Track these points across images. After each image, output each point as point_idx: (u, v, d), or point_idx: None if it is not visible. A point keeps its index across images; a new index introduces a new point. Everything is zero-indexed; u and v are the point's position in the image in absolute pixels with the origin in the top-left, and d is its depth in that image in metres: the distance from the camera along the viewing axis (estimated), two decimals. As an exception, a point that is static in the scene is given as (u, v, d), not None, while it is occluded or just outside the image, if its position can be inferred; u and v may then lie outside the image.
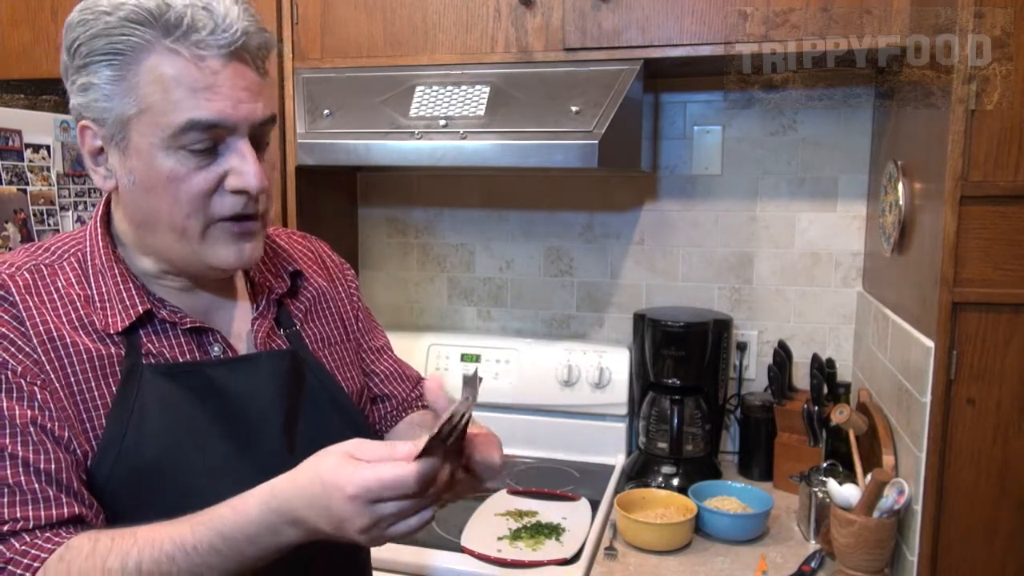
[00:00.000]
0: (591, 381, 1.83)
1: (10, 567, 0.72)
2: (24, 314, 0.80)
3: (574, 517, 1.50)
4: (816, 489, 1.46)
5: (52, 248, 0.87)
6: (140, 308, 0.84)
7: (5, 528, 0.74)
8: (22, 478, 0.75)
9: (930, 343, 1.19)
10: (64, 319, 0.82)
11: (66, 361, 0.81)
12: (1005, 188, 1.14)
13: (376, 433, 1.08)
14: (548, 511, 1.53)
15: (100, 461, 0.81)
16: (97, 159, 0.82)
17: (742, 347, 1.88)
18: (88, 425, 0.81)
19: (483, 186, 2.03)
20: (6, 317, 0.79)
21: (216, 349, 0.89)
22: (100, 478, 0.81)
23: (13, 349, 0.78)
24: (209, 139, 0.78)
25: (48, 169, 1.83)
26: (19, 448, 0.76)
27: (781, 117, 1.82)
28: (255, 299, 0.95)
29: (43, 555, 0.73)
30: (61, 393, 0.80)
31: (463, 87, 1.57)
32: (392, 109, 1.58)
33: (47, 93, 2.11)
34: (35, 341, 0.79)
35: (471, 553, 1.38)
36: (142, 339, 0.85)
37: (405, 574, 1.38)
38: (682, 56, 1.52)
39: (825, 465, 1.51)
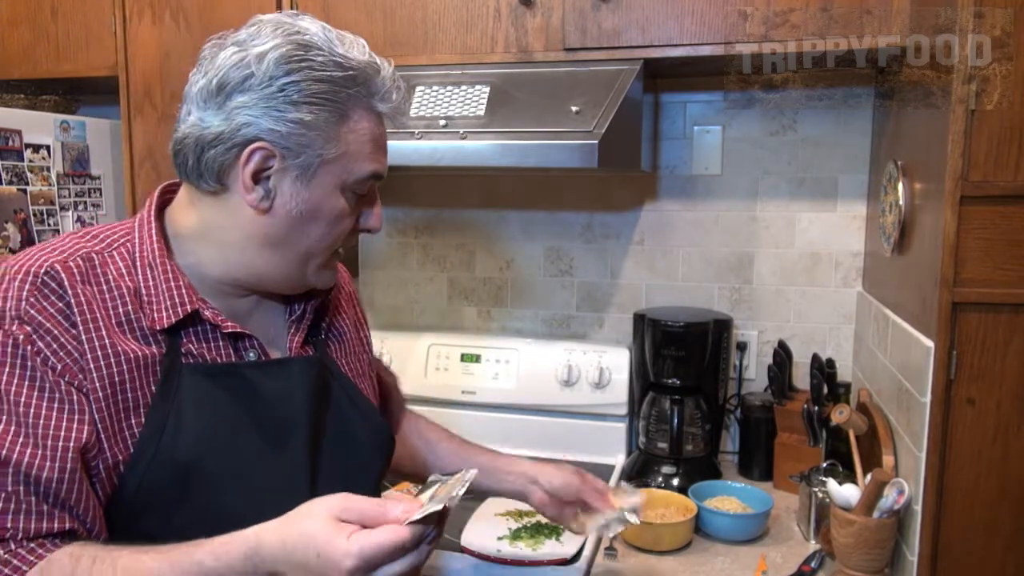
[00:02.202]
0: (591, 381, 1.83)
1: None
2: (75, 307, 0.80)
3: (574, 517, 1.49)
4: (816, 489, 1.46)
5: (101, 236, 0.88)
6: (188, 307, 0.86)
7: (8, 535, 0.74)
8: (20, 488, 0.75)
9: (930, 343, 1.19)
10: (112, 313, 0.83)
11: (112, 361, 0.82)
12: (1005, 188, 1.13)
13: (393, 440, 1.10)
14: (548, 511, 1.53)
15: (136, 460, 0.82)
16: (257, 177, 0.84)
17: (742, 347, 1.88)
18: (126, 424, 0.82)
19: (483, 186, 2.03)
20: (52, 311, 0.80)
21: (252, 354, 0.91)
22: (135, 476, 0.82)
23: (56, 346, 0.79)
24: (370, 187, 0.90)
25: (48, 169, 1.83)
26: (26, 453, 0.76)
27: (781, 117, 1.82)
28: (289, 306, 0.98)
29: (24, 567, 0.73)
30: (100, 394, 0.81)
31: (463, 87, 1.57)
32: (392, 109, 1.58)
33: (47, 93, 2.11)
34: (83, 337, 0.80)
35: (471, 553, 1.38)
36: (183, 339, 0.87)
37: (405, 574, 1.38)
38: (682, 56, 1.52)
39: (825, 465, 1.51)
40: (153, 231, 0.88)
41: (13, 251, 1.74)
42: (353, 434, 0.98)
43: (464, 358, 1.94)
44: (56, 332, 0.79)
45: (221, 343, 0.89)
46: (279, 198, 0.85)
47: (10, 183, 1.74)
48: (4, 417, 0.76)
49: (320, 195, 0.86)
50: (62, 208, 1.86)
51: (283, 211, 0.85)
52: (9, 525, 0.74)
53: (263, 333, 0.94)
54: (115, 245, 0.88)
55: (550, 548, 1.39)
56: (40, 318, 0.79)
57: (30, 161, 1.79)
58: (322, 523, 0.71)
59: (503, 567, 1.35)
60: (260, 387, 0.90)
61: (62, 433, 0.78)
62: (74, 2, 1.90)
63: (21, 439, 0.76)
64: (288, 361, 0.94)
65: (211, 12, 1.79)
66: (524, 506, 1.54)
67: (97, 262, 0.85)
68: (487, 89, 1.56)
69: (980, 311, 1.16)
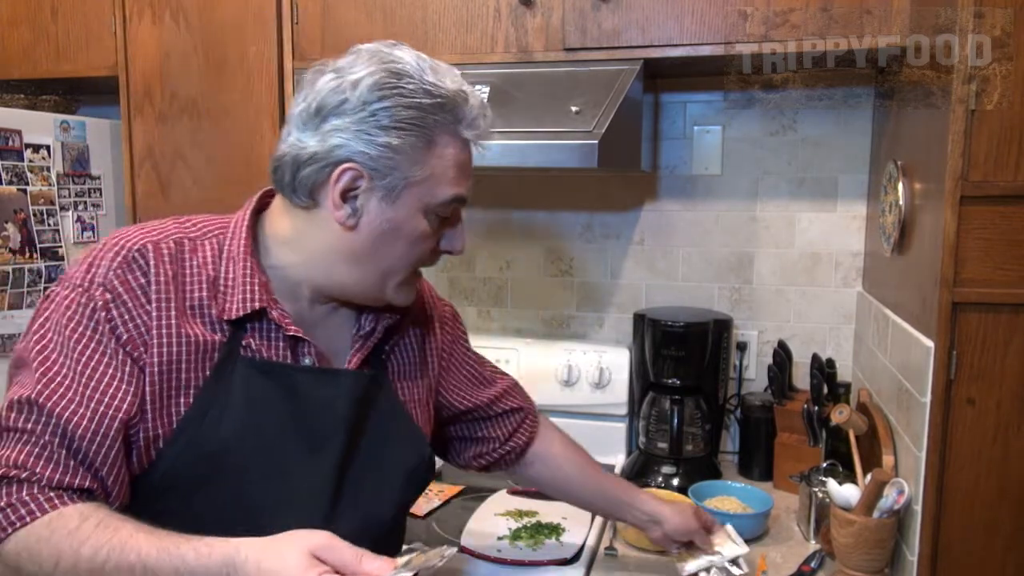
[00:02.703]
0: (591, 381, 1.83)
1: (8, 511, 0.77)
2: (154, 285, 0.87)
3: (574, 517, 1.49)
4: (816, 489, 1.46)
5: (199, 225, 0.95)
6: (258, 303, 0.90)
7: (19, 474, 0.79)
8: (55, 440, 0.80)
9: (930, 343, 1.19)
10: (187, 296, 0.89)
11: (174, 340, 0.87)
12: (1005, 188, 1.13)
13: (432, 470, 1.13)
14: (548, 511, 1.53)
15: (176, 438, 0.86)
16: (345, 196, 0.88)
17: (742, 347, 1.88)
18: (174, 401, 0.87)
19: (483, 186, 2.02)
20: (134, 285, 0.86)
21: (307, 360, 0.95)
22: (171, 454, 0.86)
23: (127, 317, 0.85)
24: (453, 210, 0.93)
25: (48, 169, 1.83)
26: (69, 409, 0.81)
27: (781, 117, 1.82)
28: (359, 320, 1.01)
29: (37, 513, 0.77)
30: (156, 368, 0.86)
31: (463, 87, 1.57)
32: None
33: (47, 93, 2.11)
34: (154, 313, 0.86)
35: (471, 553, 1.38)
36: (246, 332, 0.91)
37: (405, 574, 1.38)
38: (682, 56, 1.52)
39: (825, 465, 1.50)
40: (245, 229, 0.94)
41: (13, 251, 1.74)
42: (388, 455, 1.01)
43: (464, 358, 1.94)
44: (131, 305, 0.86)
45: (281, 343, 0.93)
46: (365, 216, 0.89)
47: (10, 183, 1.74)
48: (63, 371, 0.82)
49: (404, 216, 0.89)
50: (62, 208, 1.86)
51: (368, 229, 0.90)
52: (37, 471, 0.79)
53: (328, 343, 0.97)
54: (208, 235, 0.94)
55: (550, 548, 1.40)
56: (121, 289, 0.86)
57: (30, 161, 1.79)
58: (298, 556, 0.73)
59: (503, 567, 1.35)
60: (307, 392, 0.93)
61: (106, 399, 0.82)
62: (74, 2, 1.90)
63: (70, 394, 0.81)
64: (338, 372, 0.97)
65: (211, 12, 1.79)
66: (524, 506, 1.56)
67: (187, 248, 0.91)
68: (487, 89, 1.56)
69: (980, 311, 1.16)
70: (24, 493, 0.78)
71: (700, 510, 1.31)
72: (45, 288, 1.80)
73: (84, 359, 0.83)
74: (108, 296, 0.85)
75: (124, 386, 0.84)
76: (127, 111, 1.88)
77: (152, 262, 0.88)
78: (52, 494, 0.79)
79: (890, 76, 1.58)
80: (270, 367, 0.92)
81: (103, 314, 0.84)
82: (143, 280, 0.87)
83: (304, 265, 0.94)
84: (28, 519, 0.77)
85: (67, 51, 1.92)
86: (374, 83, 0.86)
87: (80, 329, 0.84)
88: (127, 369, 0.84)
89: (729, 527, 1.32)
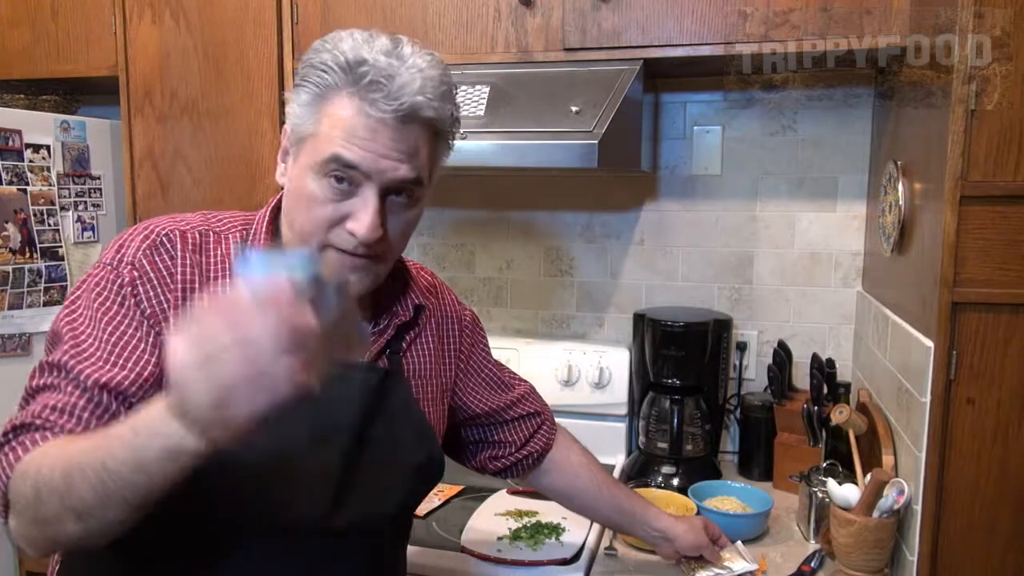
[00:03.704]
0: (591, 381, 1.83)
1: (18, 448, 0.78)
2: (179, 268, 0.91)
3: (574, 517, 1.49)
4: (816, 489, 1.46)
5: (224, 220, 0.98)
6: None
7: (37, 423, 0.80)
8: (78, 393, 0.82)
9: (930, 343, 1.19)
10: (210, 282, 0.92)
11: None
12: (1005, 188, 1.13)
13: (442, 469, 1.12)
14: (548, 511, 1.53)
15: None
16: (284, 158, 0.95)
17: (742, 347, 1.88)
18: None
19: (483, 186, 2.03)
20: (160, 265, 0.90)
21: None
22: None
23: (152, 295, 0.89)
24: (347, 178, 0.88)
25: (48, 169, 1.83)
26: (94, 364, 0.83)
27: (781, 117, 1.82)
28: (375, 318, 1.02)
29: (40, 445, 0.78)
30: None
31: (463, 87, 1.57)
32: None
33: (47, 93, 2.11)
34: (179, 294, 0.90)
35: (471, 553, 1.38)
36: None
37: (405, 574, 1.38)
38: (682, 56, 1.52)
39: (825, 465, 1.51)
40: (265, 223, 0.97)
41: (13, 251, 1.74)
42: (397, 450, 1.01)
43: (464, 358, 1.94)
44: (157, 283, 0.89)
45: None
46: (289, 176, 0.93)
47: (10, 183, 1.74)
48: (90, 339, 0.85)
49: (298, 173, 0.91)
50: (62, 208, 1.86)
51: (288, 189, 0.94)
52: (55, 420, 0.80)
53: None
54: (232, 230, 0.97)
55: (550, 548, 1.40)
56: (148, 268, 0.89)
57: (30, 161, 1.79)
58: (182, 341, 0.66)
59: (503, 567, 1.35)
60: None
61: (131, 363, 0.85)
62: (74, 2, 1.90)
63: (95, 357, 0.84)
64: (354, 364, 0.98)
65: (211, 12, 1.79)
66: (524, 506, 1.56)
67: (212, 239, 0.95)
68: (487, 89, 1.56)
69: (980, 311, 1.16)
70: (38, 435, 0.79)
71: (711, 523, 1.32)
72: (45, 288, 1.80)
73: (111, 327, 0.86)
74: (136, 273, 0.89)
75: (145, 355, 0.86)
76: (127, 111, 1.88)
77: (179, 247, 0.91)
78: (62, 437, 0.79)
79: (890, 76, 1.58)
80: None
81: (129, 289, 0.88)
82: (169, 263, 0.90)
83: None
84: (21, 454, 0.78)
85: (67, 51, 1.92)
86: (308, 51, 0.91)
87: (107, 303, 0.87)
88: (151, 340, 0.87)
89: (740, 544, 1.33)
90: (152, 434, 0.67)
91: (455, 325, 1.16)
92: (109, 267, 0.89)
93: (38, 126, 1.81)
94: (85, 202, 1.93)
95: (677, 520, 1.30)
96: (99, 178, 1.96)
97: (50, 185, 1.83)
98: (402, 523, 1.10)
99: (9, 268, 1.73)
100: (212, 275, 0.93)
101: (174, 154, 1.87)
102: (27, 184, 1.78)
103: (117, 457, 0.69)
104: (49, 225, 1.83)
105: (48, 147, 1.83)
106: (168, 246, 0.91)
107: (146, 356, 0.86)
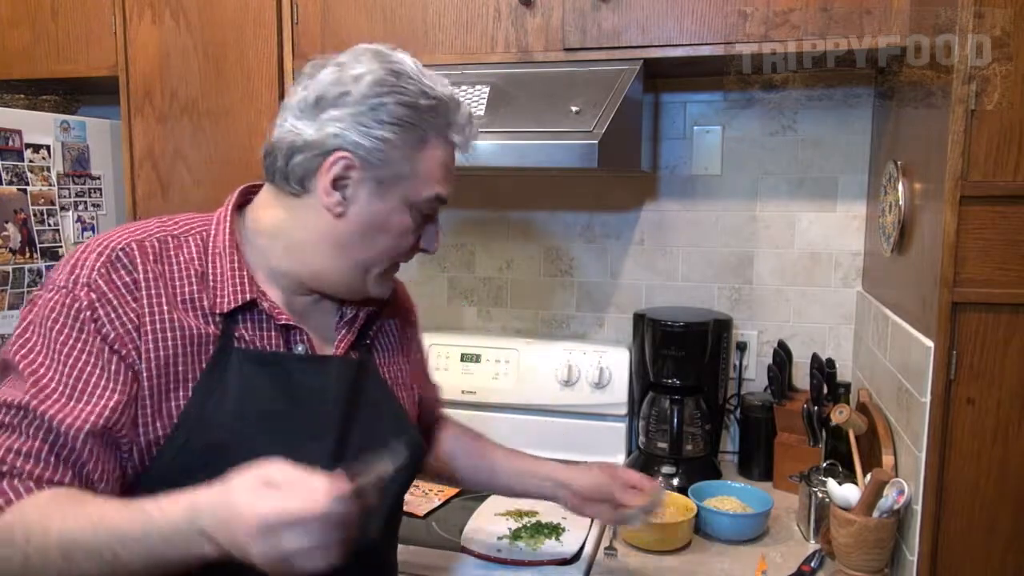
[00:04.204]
0: (591, 381, 1.83)
1: None
2: (142, 282, 0.88)
3: (574, 517, 1.49)
4: (816, 489, 1.46)
5: (182, 223, 0.96)
6: (248, 295, 0.92)
7: (4, 468, 0.79)
8: (39, 436, 0.80)
9: (930, 343, 1.19)
10: (177, 291, 0.90)
11: (169, 333, 0.88)
12: (1005, 188, 1.14)
13: (427, 444, 1.15)
14: (548, 511, 1.53)
15: (176, 433, 0.87)
16: (336, 184, 0.91)
17: (742, 347, 1.88)
18: (173, 395, 0.88)
19: (483, 186, 2.03)
20: (119, 283, 0.87)
21: (300, 348, 0.96)
22: (172, 450, 0.87)
23: (113, 316, 0.85)
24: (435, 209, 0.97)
25: (48, 169, 1.83)
26: (55, 406, 0.81)
27: (781, 117, 1.82)
28: (342, 309, 1.03)
29: (14, 500, 0.78)
30: (153, 363, 0.86)
31: (463, 87, 1.57)
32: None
33: (47, 93, 2.11)
34: (145, 308, 0.87)
35: (471, 553, 1.38)
36: (239, 324, 0.93)
37: (405, 574, 1.38)
38: (682, 56, 1.52)
39: (825, 465, 1.51)
40: (228, 224, 0.95)
41: (13, 251, 1.74)
42: (380, 440, 1.00)
43: (464, 358, 1.94)
44: (116, 303, 0.86)
45: (273, 333, 0.95)
46: (353, 206, 0.92)
47: (10, 183, 1.74)
48: (49, 373, 0.83)
49: (389, 209, 0.92)
50: (62, 208, 1.86)
51: (355, 218, 0.92)
52: (18, 465, 0.79)
53: (315, 331, 0.99)
54: (191, 232, 0.95)
55: (550, 548, 1.40)
56: (105, 288, 0.86)
57: (30, 161, 1.79)
58: (250, 480, 0.72)
59: (503, 567, 1.35)
60: (300, 380, 0.95)
61: (92, 398, 0.83)
62: (74, 2, 1.90)
63: (55, 395, 0.82)
64: (328, 359, 0.99)
65: (211, 12, 1.79)
66: (524, 506, 1.55)
67: (171, 245, 0.92)
68: (487, 89, 1.56)
69: (980, 311, 1.16)
70: (4, 484, 0.78)
71: (624, 469, 1.24)
72: (45, 288, 1.80)
73: (70, 360, 0.83)
74: (93, 296, 0.85)
75: (111, 384, 0.84)
76: (127, 111, 1.88)
77: (138, 260, 0.88)
78: (32, 485, 0.79)
79: (890, 76, 1.58)
80: (266, 357, 0.93)
81: (88, 314, 0.84)
82: (128, 278, 0.87)
83: (288, 256, 0.95)
84: (4, 506, 0.77)
85: (67, 51, 1.92)
86: (375, 79, 0.89)
87: (65, 331, 0.84)
88: (113, 368, 0.84)
89: (661, 478, 1.26)
90: (179, 546, 0.72)
91: (411, 313, 1.20)
92: (64, 290, 0.85)
93: (38, 126, 1.81)
94: (85, 202, 1.93)
95: (570, 467, 1.23)
96: (99, 178, 1.96)
97: (50, 185, 1.83)
98: (394, 512, 1.10)
99: (9, 268, 1.73)
100: (178, 280, 0.91)
101: (174, 154, 1.87)
102: (27, 184, 1.78)
103: (131, 550, 0.73)
104: (49, 225, 1.83)
105: (48, 147, 1.83)
106: (125, 260, 0.88)
107: (110, 386, 0.84)
